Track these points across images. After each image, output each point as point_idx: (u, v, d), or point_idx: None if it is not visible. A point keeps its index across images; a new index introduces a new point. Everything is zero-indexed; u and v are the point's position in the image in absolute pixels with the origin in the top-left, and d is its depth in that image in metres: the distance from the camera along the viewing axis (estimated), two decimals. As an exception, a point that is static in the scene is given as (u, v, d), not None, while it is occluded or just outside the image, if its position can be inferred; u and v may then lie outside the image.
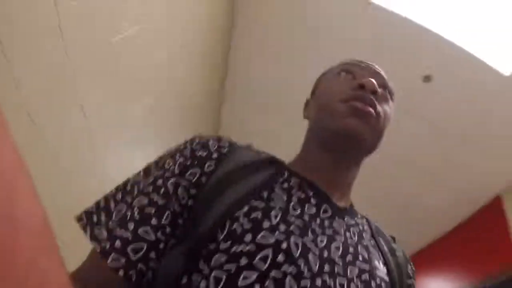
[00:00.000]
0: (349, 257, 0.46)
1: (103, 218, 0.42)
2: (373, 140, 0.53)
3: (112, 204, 0.43)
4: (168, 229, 0.40)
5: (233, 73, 2.57)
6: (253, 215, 0.42)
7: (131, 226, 0.39)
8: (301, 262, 0.41)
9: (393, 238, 0.63)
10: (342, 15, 2.16)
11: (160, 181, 0.44)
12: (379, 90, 0.54)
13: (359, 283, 0.45)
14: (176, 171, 0.45)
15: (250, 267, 0.38)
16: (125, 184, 0.46)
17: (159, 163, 0.48)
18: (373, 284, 0.46)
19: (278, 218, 0.43)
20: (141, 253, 0.38)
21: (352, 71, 0.57)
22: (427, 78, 2.18)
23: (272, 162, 0.52)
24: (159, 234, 0.39)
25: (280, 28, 2.32)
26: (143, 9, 1.15)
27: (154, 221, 0.40)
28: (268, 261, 0.39)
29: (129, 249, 0.37)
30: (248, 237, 0.40)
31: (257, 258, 0.39)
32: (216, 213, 0.41)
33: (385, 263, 0.53)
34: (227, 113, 2.90)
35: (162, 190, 0.43)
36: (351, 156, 0.55)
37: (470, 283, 2.68)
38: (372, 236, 0.56)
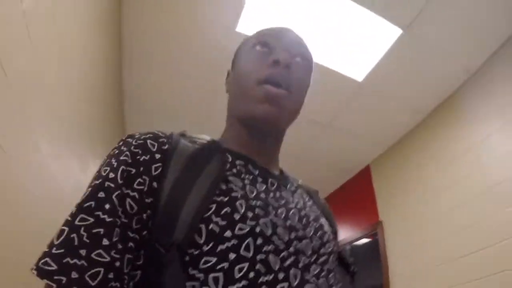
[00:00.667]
0: (304, 220, 0.51)
1: (46, 247, 0.37)
2: (290, 115, 0.56)
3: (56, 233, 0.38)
4: (120, 245, 0.38)
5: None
6: (223, 211, 0.43)
7: (83, 252, 0.36)
8: (275, 238, 0.44)
9: (317, 191, 0.69)
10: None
11: (102, 193, 0.40)
12: (296, 60, 0.56)
13: (317, 239, 0.50)
14: (120, 180, 0.41)
15: (240, 259, 0.40)
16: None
17: (97, 174, 0.44)
18: (325, 238, 0.52)
19: (244, 207, 0.44)
20: (100, 277, 0.36)
21: (268, 43, 0.56)
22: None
23: (213, 147, 0.51)
24: (112, 253, 0.37)
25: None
26: None
27: (105, 241, 0.37)
28: (252, 248, 0.41)
29: (86, 276, 0.35)
30: (228, 233, 0.41)
31: (242, 249, 0.41)
32: (186, 219, 0.40)
33: (326, 218, 0.59)
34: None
35: (108, 205, 0.39)
36: (270, 134, 0.58)
37: (346, 239, 3.26)
38: (308, 195, 0.62)
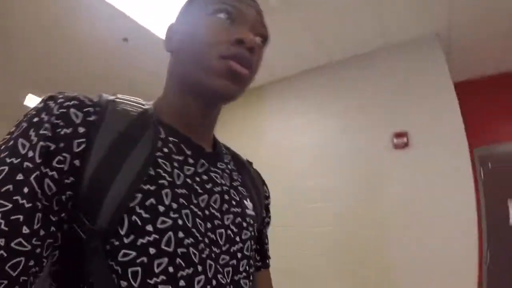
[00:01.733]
0: (225, 206, 0.51)
1: None
2: (241, 94, 0.53)
3: None
4: (42, 232, 0.37)
5: None
6: (148, 202, 0.41)
7: (1, 242, 0.34)
8: (194, 230, 0.44)
9: (250, 163, 0.67)
10: None
11: (20, 176, 0.36)
12: (257, 41, 0.52)
13: (233, 227, 0.50)
14: (38, 159, 0.37)
15: (160, 254, 0.39)
16: None
17: (11, 147, 0.38)
18: (244, 224, 0.52)
19: (169, 197, 0.43)
20: (20, 266, 0.34)
21: (232, 15, 0.51)
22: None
23: (145, 120, 0.47)
24: (33, 241, 0.36)
25: None
26: None
27: (25, 229, 0.35)
28: (172, 243, 0.41)
29: (7, 267, 0.34)
30: (150, 227, 0.40)
31: (163, 244, 0.40)
32: (110, 208, 0.38)
33: (251, 198, 0.58)
34: None
35: (26, 189, 0.36)
36: (218, 106, 0.56)
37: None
38: (237, 171, 0.60)
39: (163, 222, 0.41)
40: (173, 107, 0.53)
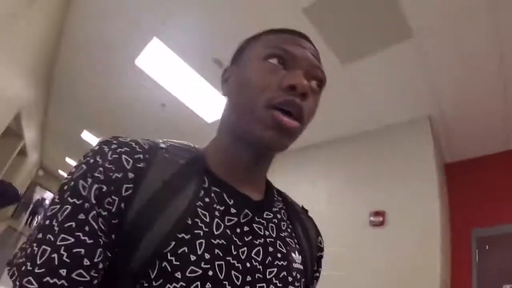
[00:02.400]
0: (268, 259, 0.49)
1: (29, 264, 0.38)
2: (291, 143, 0.51)
3: (35, 247, 0.39)
4: (100, 265, 0.40)
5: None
6: (180, 250, 0.42)
7: (63, 272, 0.37)
8: (226, 282, 0.44)
9: (306, 210, 0.66)
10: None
11: (82, 215, 0.40)
12: (311, 85, 0.51)
13: (277, 282, 0.49)
14: (93, 200, 0.41)
15: None
16: (44, 220, 0.41)
17: (72, 188, 0.42)
18: (290, 278, 0.51)
19: (203, 247, 0.43)
20: None
21: (284, 59, 0.50)
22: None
23: (191, 169, 0.49)
24: (92, 272, 0.39)
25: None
26: None
27: (86, 261, 0.38)
28: None
29: None
30: (178, 274, 0.41)
31: None
32: (145, 252, 0.41)
33: (301, 250, 0.56)
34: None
35: (87, 227, 0.40)
36: (270, 156, 0.56)
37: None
38: (289, 219, 0.59)
39: (193, 271, 0.42)
40: (222, 154, 0.53)
